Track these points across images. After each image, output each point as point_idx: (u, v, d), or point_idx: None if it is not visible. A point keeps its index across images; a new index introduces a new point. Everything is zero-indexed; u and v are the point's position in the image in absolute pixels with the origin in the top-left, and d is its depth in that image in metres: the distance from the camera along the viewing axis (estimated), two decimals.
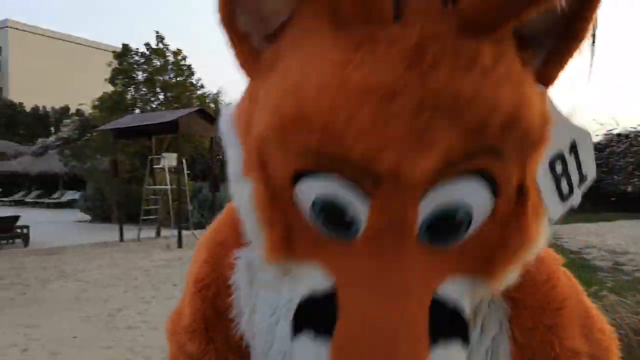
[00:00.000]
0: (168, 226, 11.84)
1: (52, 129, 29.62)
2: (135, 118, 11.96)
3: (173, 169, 11.05)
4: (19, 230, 10.82)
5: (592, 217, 13.24)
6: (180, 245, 9.96)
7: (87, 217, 15.95)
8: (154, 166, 11.71)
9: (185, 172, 11.41)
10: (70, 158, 16.44)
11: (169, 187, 11.05)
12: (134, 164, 14.79)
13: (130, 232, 11.11)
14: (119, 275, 7.22)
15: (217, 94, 16.89)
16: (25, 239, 10.57)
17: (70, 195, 22.27)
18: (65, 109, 31.53)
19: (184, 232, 10.27)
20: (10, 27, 37.63)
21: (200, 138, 14.26)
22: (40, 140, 25.90)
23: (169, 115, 10.49)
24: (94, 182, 15.25)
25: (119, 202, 14.18)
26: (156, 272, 7.45)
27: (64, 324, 4.83)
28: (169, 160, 10.96)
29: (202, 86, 16.29)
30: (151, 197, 11.86)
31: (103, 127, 12.07)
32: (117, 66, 15.19)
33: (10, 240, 10.53)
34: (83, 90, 35.34)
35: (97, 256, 8.99)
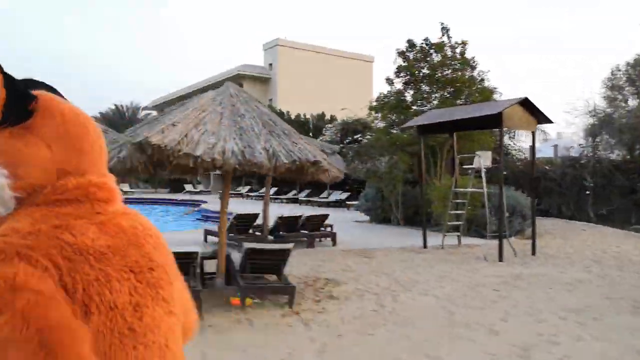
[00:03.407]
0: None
1: (311, 134, 32.30)
2: (442, 114, 10.71)
3: (485, 170, 9.90)
4: (325, 229, 11.17)
5: None
6: (501, 258, 8.73)
7: (366, 217, 16.15)
8: (465, 166, 10.75)
9: (484, 173, 10.16)
10: (353, 158, 16.74)
11: (484, 190, 9.89)
12: (412, 164, 14.28)
13: (416, 236, 10.36)
14: (467, 292, 6.32)
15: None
16: (334, 237, 10.75)
17: (336, 195, 23.55)
18: (322, 115, 34.11)
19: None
20: (280, 45, 42.81)
21: (489, 134, 13.06)
22: None
23: (487, 109, 9.32)
24: (375, 182, 15.24)
25: (399, 204, 13.91)
26: (508, 292, 6.33)
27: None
28: (485, 159, 9.83)
29: (482, 80, 14.88)
30: (457, 200, 10.73)
31: (411, 123, 11.15)
32: (402, 63, 14.97)
33: (319, 239, 10.85)
34: (335, 97, 37.96)
35: (417, 263, 8.40)
